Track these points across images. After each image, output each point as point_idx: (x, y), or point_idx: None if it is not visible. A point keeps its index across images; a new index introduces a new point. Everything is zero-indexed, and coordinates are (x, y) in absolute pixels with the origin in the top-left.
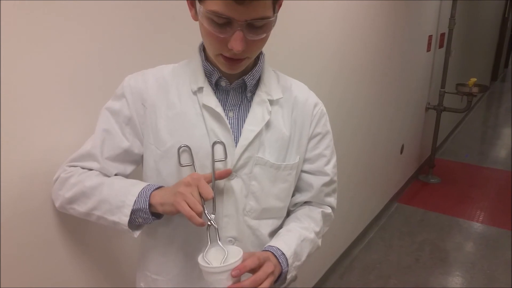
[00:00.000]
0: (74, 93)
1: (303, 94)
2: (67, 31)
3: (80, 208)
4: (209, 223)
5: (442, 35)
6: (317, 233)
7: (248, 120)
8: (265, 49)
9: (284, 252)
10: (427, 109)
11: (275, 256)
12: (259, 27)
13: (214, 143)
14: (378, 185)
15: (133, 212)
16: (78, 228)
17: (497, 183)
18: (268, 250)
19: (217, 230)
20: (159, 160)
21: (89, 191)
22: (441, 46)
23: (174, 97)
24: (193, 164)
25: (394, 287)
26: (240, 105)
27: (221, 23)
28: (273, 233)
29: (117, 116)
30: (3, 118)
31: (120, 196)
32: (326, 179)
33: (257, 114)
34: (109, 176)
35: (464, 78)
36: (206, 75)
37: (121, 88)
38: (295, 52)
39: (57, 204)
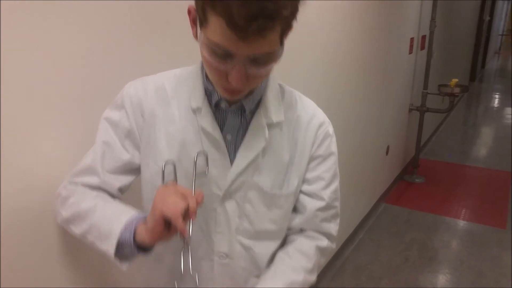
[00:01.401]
0: (72, 98)
1: (308, 113)
2: (65, 34)
3: (76, 229)
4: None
5: (423, 37)
6: (309, 271)
7: (243, 145)
8: None
9: None
10: (410, 110)
11: None
12: (263, 61)
13: (198, 154)
14: (366, 186)
15: (119, 243)
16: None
17: (479, 181)
18: None
19: (189, 253)
20: (155, 175)
21: (83, 214)
22: (422, 48)
23: (174, 111)
24: (175, 181)
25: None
26: (239, 127)
27: (221, 54)
28: (269, 254)
29: (116, 127)
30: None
31: (108, 223)
32: (322, 203)
33: (253, 140)
34: (110, 191)
35: (445, 79)
36: (206, 94)
37: (120, 97)
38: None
39: (58, 221)
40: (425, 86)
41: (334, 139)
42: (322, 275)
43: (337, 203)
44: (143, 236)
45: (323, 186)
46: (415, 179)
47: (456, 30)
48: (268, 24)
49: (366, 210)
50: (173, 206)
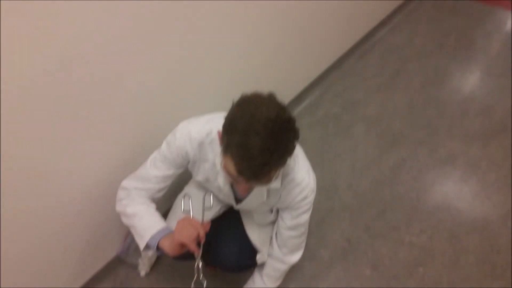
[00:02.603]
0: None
1: (296, 191)
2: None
3: (124, 221)
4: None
5: None
6: (280, 279)
7: (246, 200)
8: None
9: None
10: None
11: None
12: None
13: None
14: None
15: (147, 245)
16: None
17: None
18: None
19: (200, 264)
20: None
21: (128, 215)
22: None
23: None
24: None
25: (411, 69)
26: None
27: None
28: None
29: (165, 158)
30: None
31: (143, 231)
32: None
33: (254, 197)
34: (152, 193)
35: None
36: None
37: (174, 145)
38: None
39: (116, 209)
40: None
41: (313, 196)
42: (349, 54)
43: (302, 232)
44: (164, 247)
45: (290, 217)
46: None
47: None
48: (268, 180)
49: None
50: (187, 235)
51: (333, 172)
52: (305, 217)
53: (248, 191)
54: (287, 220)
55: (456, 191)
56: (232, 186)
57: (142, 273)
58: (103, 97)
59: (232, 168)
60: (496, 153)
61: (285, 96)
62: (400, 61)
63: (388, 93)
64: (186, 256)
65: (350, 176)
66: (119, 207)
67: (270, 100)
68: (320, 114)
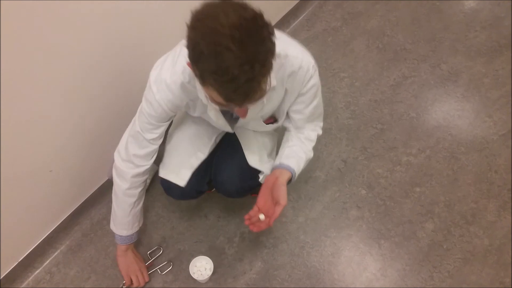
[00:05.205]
0: None
1: (295, 65)
2: None
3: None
4: None
5: None
6: (311, 151)
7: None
8: None
9: (296, 171)
10: None
11: (290, 172)
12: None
13: None
14: None
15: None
16: None
17: None
18: (285, 169)
19: None
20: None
21: (114, 190)
22: None
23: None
24: None
25: None
26: None
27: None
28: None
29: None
30: None
31: (115, 219)
32: (303, 116)
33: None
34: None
35: None
36: None
37: (151, 102)
38: None
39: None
40: None
41: (316, 73)
42: None
43: (319, 109)
44: (119, 257)
45: (304, 106)
46: None
47: None
48: (262, 92)
49: None
50: (132, 270)
51: (331, 91)
52: (318, 99)
53: (246, 113)
54: (300, 115)
55: (457, 109)
56: (224, 114)
57: None
58: None
59: (217, 97)
60: (501, 70)
61: (280, 10)
62: None
63: (391, 4)
64: (192, 195)
65: (348, 94)
66: (113, 174)
67: (224, 4)
68: (318, 28)
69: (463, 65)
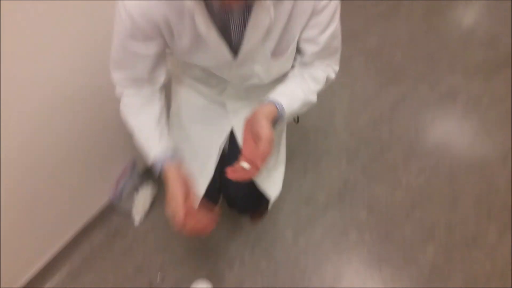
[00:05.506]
0: None
1: None
2: None
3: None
4: None
5: None
6: (314, 92)
7: (248, 29)
8: None
9: (285, 107)
10: None
11: (277, 108)
12: None
13: None
14: None
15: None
16: None
17: None
18: (273, 103)
19: None
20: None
21: (129, 128)
22: None
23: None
24: None
25: None
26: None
27: None
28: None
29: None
30: None
31: (145, 149)
32: (317, 48)
33: (258, 22)
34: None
35: None
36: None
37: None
38: None
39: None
40: None
41: None
42: None
43: (336, 42)
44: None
45: (318, 32)
46: None
47: None
48: None
49: None
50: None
51: (331, 111)
52: (335, 25)
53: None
54: (314, 45)
55: (456, 129)
56: (220, 32)
57: (136, 220)
58: None
59: None
60: (500, 88)
61: None
62: None
63: (389, 22)
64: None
65: (347, 114)
66: (121, 113)
67: None
68: None
69: (462, 84)
